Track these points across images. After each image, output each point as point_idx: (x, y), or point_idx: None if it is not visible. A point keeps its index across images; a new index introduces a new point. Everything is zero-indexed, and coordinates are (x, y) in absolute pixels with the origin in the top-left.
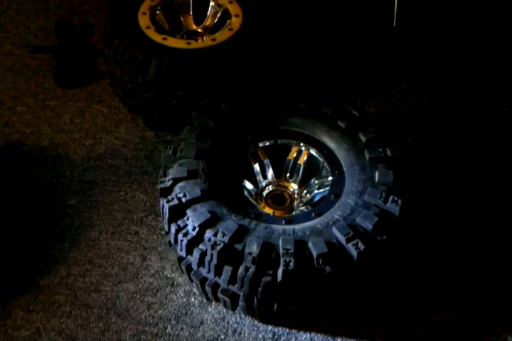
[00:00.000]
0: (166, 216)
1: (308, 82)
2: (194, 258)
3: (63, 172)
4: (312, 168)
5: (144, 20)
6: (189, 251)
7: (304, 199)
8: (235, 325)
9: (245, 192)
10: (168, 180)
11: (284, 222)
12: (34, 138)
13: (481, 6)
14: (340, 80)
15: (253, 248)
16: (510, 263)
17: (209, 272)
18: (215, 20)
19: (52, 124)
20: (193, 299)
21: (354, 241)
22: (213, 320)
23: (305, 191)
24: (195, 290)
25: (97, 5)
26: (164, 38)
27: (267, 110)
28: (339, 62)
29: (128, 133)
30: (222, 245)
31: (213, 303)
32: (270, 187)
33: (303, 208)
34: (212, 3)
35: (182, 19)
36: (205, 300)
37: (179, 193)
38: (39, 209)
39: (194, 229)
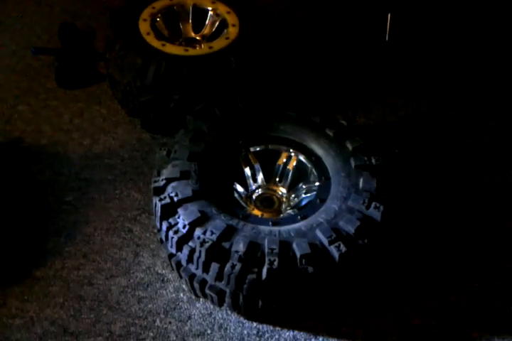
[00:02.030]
0: (158, 214)
1: (301, 91)
2: (183, 255)
3: (61, 170)
4: (300, 173)
5: (144, 27)
6: (179, 248)
7: (291, 203)
8: (221, 321)
9: (236, 195)
10: (162, 180)
11: (270, 223)
12: (34, 136)
13: (469, 22)
14: (332, 91)
15: (240, 246)
16: (489, 269)
17: (197, 268)
18: (213, 29)
19: (53, 123)
20: (181, 295)
21: (336, 244)
22: (200, 316)
23: (293, 195)
24: (184, 286)
25: (100, 9)
26: (163, 45)
27: (259, 116)
28: (332, 73)
29: (125, 135)
30: (210, 243)
31: (201, 299)
32: (260, 191)
33: (290, 211)
34: (210, 13)
35: (181, 27)
36: (193, 296)
37: (171, 192)
38: (37, 205)
39: (184, 227)
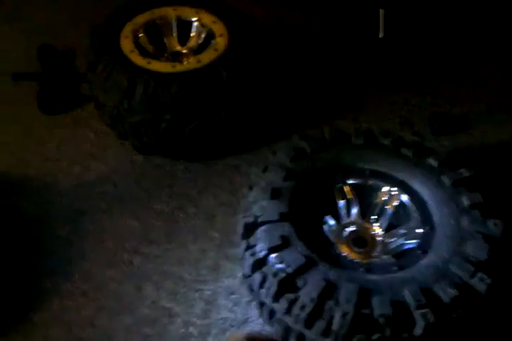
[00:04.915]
0: (241, 231)
1: (298, 97)
2: (256, 280)
3: (52, 202)
4: (398, 216)
5: (127, 44)
6: (253, 271)
7: (387, 247)
8: None
9: (325, 227)
10: (251, 196)
11: (363, 269)
12: (20, 168)
13: (465, 17)
14: (328, 95)
15: (313, 288)
16: None
17: (267, 297)
18: (200, 41)
19: (39, 153)
20: (191, 329)
21: (424, 310)
22: None
23: (389, 239)
24: (193, 319)
25: (79, 28)
26: (148, 62)
27: (364, 148)
28: (327, 77)
29: (116, 158)
30: (284, 275)
31: (212, 333)
32: (352, 227)
33: (384, 257)
34: (195, 24)
35: (166, 41)
36: (204, 330)
37: (257, 211)
38: (29, 242)
39: (262, 251)
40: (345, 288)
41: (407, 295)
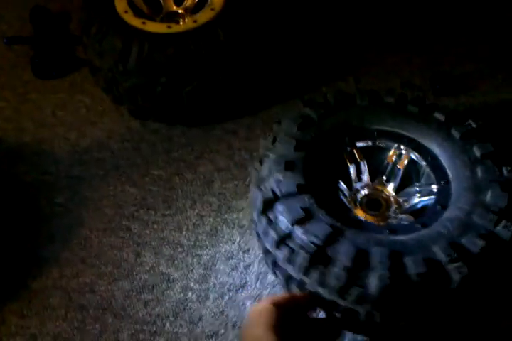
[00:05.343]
0: (258, 207)
1: (297, 59)
2: (282, 255)
3: (48, 169)
4: (410, 174)
5: (120, 5)
6: (277, 247)
7: (402, 207)
8: (235, 319)
9: (340, 194)
10: (264, 170)
11: (387, 231)
12: (16, 134)
13: None
14: (328, 56)
15: (347, 255)
16: None
17: (296, 271)
18: (196, 0)
19: (34, 119)
20: (190, 294)
21: (457, 264)
22: (212, 315)
23: (403, 198)
24: (192, 284)
25: None
26: (143, 23)
27: (370, 108)
28: (326, 37)
29: (113, 124)
30: (313, 247)
31: (211, 297)
32: (365, 191)
33: (402, 216)
34: None
35: (161, 0)
36: (202, 294)
37: (274, 186)
38: (26, 209)
39: (286, 226)
40: (377, 253)
41: (438, 252)
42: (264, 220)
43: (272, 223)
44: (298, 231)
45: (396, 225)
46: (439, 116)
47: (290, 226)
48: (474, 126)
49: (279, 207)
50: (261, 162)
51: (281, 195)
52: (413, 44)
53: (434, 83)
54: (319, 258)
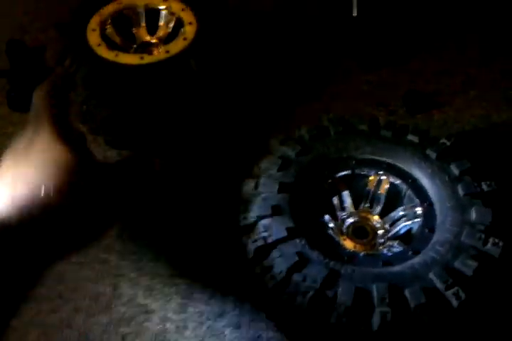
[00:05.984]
0: (250, 256)
1: (270, 84)
2: (279, 300)
3: None
4: (391, 199)
5: (94, 38)
6: (275, 294)
7: (389, 232)
8: None
9: (328, 228)
10: (251, 217)
11: (381, 263)
12: None
13: None
14: (301, 77)
15: (346, 296)
16: None
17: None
18: (169, 30)
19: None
20: (168, 325)
21: (454, 290)
22: None
23: (389, 222)
24: (169, 315)
25: (49, 21)
26: (116, 55)
27: (344, 138)
28: (299, 60)
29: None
30: (312, 292)
31: (190, 327)
32: (350, 219)
33: (391, 243)
34: (164, 12)
35: (134, 31)
36: (181, 325)
37: (264, 232)
38: None
39: (281, 272)
40: (376, 289)
41: (434, 279)
42: (258, 269)
43: (266, 272)
44: (295, 277)
45: (388, 255)
46: (413, 138)
47: (286, 274)
48: (448, 144)
49: (272, 254)
50: (246, 209)
51: (272, 240)
52: (386, 61)
53: (408, 101)
54: (319, 300)
